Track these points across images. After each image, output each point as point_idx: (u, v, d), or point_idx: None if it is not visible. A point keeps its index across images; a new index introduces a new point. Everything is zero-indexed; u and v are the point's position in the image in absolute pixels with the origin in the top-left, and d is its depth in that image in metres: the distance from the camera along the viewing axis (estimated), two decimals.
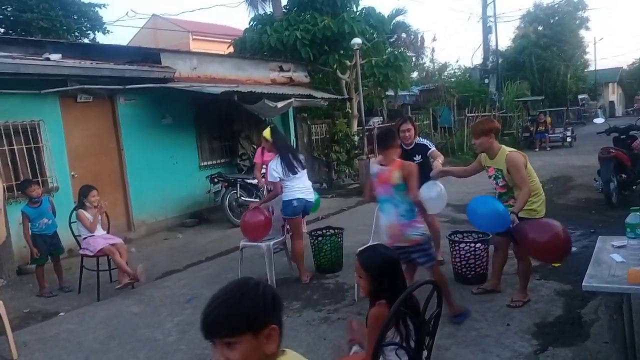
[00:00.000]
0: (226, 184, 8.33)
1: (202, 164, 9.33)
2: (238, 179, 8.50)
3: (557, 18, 25.18)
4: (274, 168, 5.02)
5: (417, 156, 5.07)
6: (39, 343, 4.17)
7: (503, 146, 4.04)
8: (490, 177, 4.15)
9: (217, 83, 9.02)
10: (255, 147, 10.00)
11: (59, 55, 7.29)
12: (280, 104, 9.11)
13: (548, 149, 16.78)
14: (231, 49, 13.67)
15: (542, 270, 4.84)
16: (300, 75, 11.57)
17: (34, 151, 6.83)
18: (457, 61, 38.96)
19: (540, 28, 24.89)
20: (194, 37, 25.00)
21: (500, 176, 4.03)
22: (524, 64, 22.45)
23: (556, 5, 25.36)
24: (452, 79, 22.40)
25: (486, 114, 17.56)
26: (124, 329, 4.33)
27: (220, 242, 7.30)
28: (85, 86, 7.18)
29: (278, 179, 5.01)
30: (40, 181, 6.49)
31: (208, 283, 5.35)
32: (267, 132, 5.34)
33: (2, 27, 15.19)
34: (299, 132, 11.67)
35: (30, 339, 4.24)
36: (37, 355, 3.94)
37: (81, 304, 5.08)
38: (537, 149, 16.85)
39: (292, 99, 9.48)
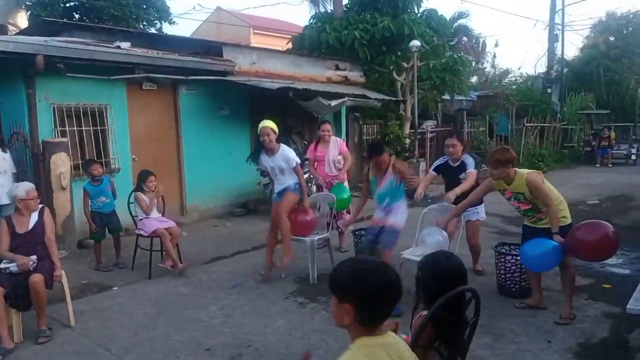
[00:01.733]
0: None
1: None
2: None
3: (630, 29, 23.81)
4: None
5: (462, 174, 5.03)
6: (94, 313, 4.47)
7: (517, 170, 4.04)
8: (508, 199, 4.19)
9: (274, 78, 9.23)
10: (306, 142, 10.17)
11: (128, 44, 7.70)
12: (334, 103, 9.20)
13: (610, 165, 15.97)
14: (290, 45, 13.90)
15: (591, 290, 4.68)
16: (356, 75, 11.61)
17: (100, 133, 7.26)
18: (519, 68, 37.64)
19: (611, 38, 23.63)
20: (254, 31, 25.55)
21: (522, 198, 4.05)
22: (591, 75, 21.37)
23: (631, 16, 23.98)
24: (513, 86, 21.69)
25: (546, 124, 16.94)
26: (171, 308, 4.56)
27: (266, 233, 7.44)
28: (151, 75, 7.55)
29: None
30: (103, 162, 6.89)
31: (253, 272, 5.52)
32: (272, 123, 5.25)
33: (77, 14, 16.10)
34: (350, 132, 11.72)
35: (86, 309, 4.55)
36: (91, 324, 4.23)
37: (133, 281, 5.39)
38: (597, 165, 16.09)
39: (346, 98, 9.54)
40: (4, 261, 3.93)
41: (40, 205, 4.22)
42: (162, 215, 5.84)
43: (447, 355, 2.20)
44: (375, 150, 4.69)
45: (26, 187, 4.14)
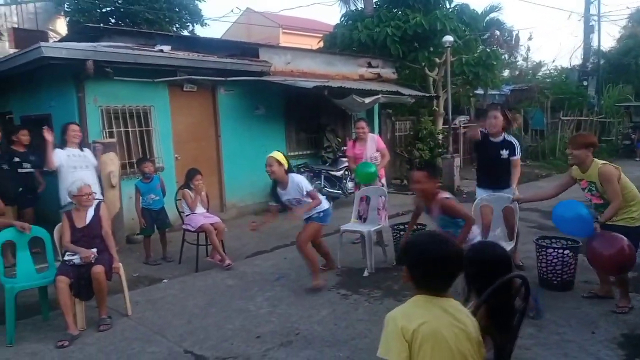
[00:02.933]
0: (312, 174, 8.69)
1: (289, 154, 9.76)
2: (323, 171, 8.84)
3: None
4: (305, 180, 4.98)
5: (504, 151, 5.05)
6: (148, 304, 4.73)
7: (595, 159, 4.10)
8: (584, 189, 4.21)
9: (308, 77, 9.39)
10: (340, 140, 10.31)
11: (169, 47, 8.00)
12: (367, 100, 9.30)
13: None
14: (321, 45, 14.05)
15: (636, 283, 4.66)
16: (388, 72, 11.66)
17: (145, 134, 7.58)
18: (553, 61, 36.69)
19: None
20: (284, 31, 25.82)
21: (594, 189, 4.08)
22: (629, 66, 20.74)
23: None
24: (548, 80, 21.27)
25: (583, 118, 16.57)
26: (220, 299, 4.78)
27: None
28: (192, 77, 7.83)
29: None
30: (154, 161, 7.20)
31: (294, 265, 5.70)
32: (280, 155, 4.91)
33: (113, 19, 16.67)
34: (383, 129, 11.80)
35: (140, 300, 4.81)
36: (147, 314, 4.49)
37: (182, 274, 5.65)
38: (638, 159, 15.67)
39: (380, 95, 9.63)
40: (68, 254, 4.21)
41: (97, 201, 4.50)
42: (207, 212, 6.08)
43: (499, 342, 2.30)
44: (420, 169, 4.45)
45: (79, 185, 4.43)
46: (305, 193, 4.82)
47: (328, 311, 4.38)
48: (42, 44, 6.46)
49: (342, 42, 12.60)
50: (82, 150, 5.65)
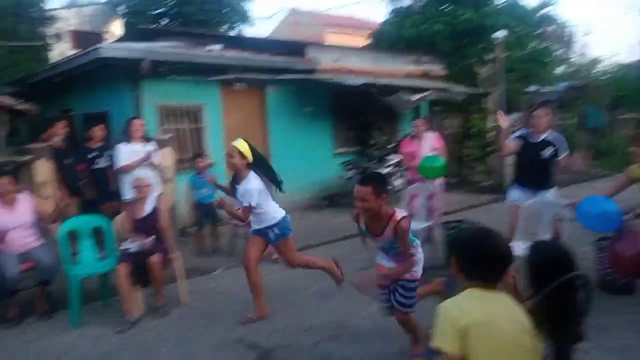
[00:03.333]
0: (358, 171, 8.68)
1: (336, 151, 9.82)
2: (369, 168, 8.80)
3: None
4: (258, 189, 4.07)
5: (544, 151, 4.78)
6: (202, 293, 4.88)
7: None
8: None
9: (354, 75, 9.40)
10: (386, 138, 10.26)
11: (220, 47, 8.21)
12: (415, 97, 9.20)
13: None
14: (368, 42, 14.00)
15: None
16: (436, 68, 11.49)
17: (196, 131, 7.81)
18: (611, 57, 35.03)
19: None
20: (328, 30, 25.88)
21: None
22: None
23: None
24: (605, 76, 20.32)
25: None
26: (270, 290, 4.84)
27: (349, 225, 7.63)
28: (242, 75, 7.99)
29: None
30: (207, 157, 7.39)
31: (342, 261, 5.69)
32: (244, 146, 4.11)
33: (165, 19, 17.26)
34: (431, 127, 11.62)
35: (194, 289, 4.96)
36: (200, 302, 4.64)
37: (232, 266, 5.78)
38: None
39: (427, 92, 9.50)
40: (124, 243, 4.40)
41: (156, 194, 4.68)
42: None
43: (559, 342, 2.23)
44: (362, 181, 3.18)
45: (136, 176, 4.66)
46: (246, 204, 4.05)
47: (377, 306, 4.37)
48: (100, 45, 6.79)
49: (389, 39, 12.52)
50: (145, 143, 5.80)
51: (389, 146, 9.68)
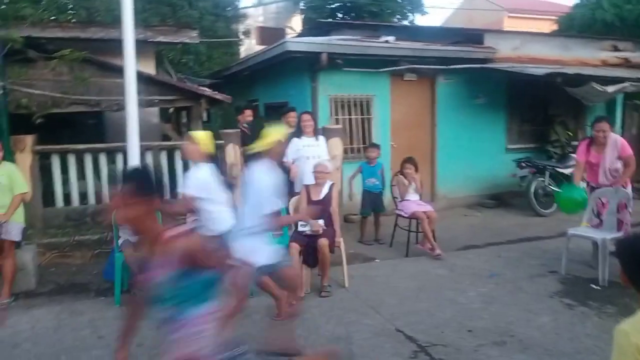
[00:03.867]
0: (534, 170, 8.00)
1: (508, 146, 9.17)
2: (548, 167, 8.05)
3: None
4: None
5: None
6: (362, 279, 5.04)
7: None
8: None
9: (537, 64, 8.62)
10: (570, 134, 9.23)
11: (393, 38, 8.25)
12: (610, 89, 8.07)
13: None
14: (554, 28, 12.69)
15: None
16: (639, 56, 9.90)
17: (365, 121, 8.02)
18: None
19: None
20: (509, 15, 24.05)
21: None
22: None
23: None
24: None
25: None
26: (430, 286, 4.82)
27: (522, 228, 7.15)
28: (414, 66, 7.94)
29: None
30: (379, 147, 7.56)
31: (510, 265, 5.39)
32: (204, 138, 4.02)
33: (340, 13, 17.92)
34: (627, 122, 10.12)
35: (355, 274, 5.14)
36: (362, 288, 4.79)
37: (392, 256, 5.86)
38: None
39: (627, 84, 8.26)
40: (301, 223, 4.75)
41: (331, 182, 4.97)
42: (420, 199, 6.15)
43: None
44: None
45: (317, 163, 5.00)
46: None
47: (549, 318, 4.02)
48: (286, 39, 7.37)
49: (580, 23, 11.17)
50: (317, 139, 5.99)
51: (573, 143, 8.70)
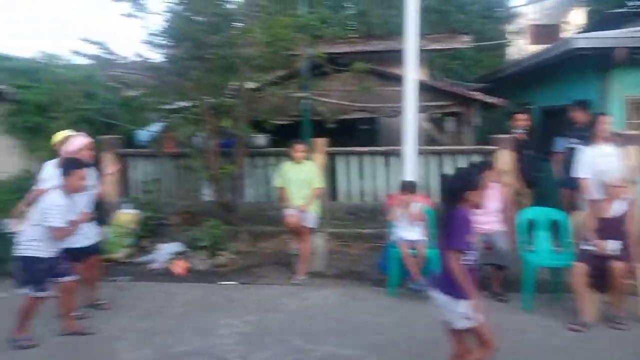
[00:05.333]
0: None
1: None
2: None
3: None
4: None
5: None
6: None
7: None
8: None
9: None
10: None
11: None
12: None
13: None
14: None
15: None
16: None
17: None
18: None
19: None
20: None
21: None
22: None
23: None
24: None
25: None
26: None
27: None
28: None
29: None
30: None
31: None
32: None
33: (632, 1, 15.14)
34: None
35: None
36: None
37: None
38: None
39: None
40: (586, 242, 4.23)
41: (628, 197, 4.30)
42: None
43: None
44: None
45: (612, 175, 4.36)
46: None
47: None
48: (571, 35, 6.62)
49: None
50: (612, 145, 5.06)
51: None
